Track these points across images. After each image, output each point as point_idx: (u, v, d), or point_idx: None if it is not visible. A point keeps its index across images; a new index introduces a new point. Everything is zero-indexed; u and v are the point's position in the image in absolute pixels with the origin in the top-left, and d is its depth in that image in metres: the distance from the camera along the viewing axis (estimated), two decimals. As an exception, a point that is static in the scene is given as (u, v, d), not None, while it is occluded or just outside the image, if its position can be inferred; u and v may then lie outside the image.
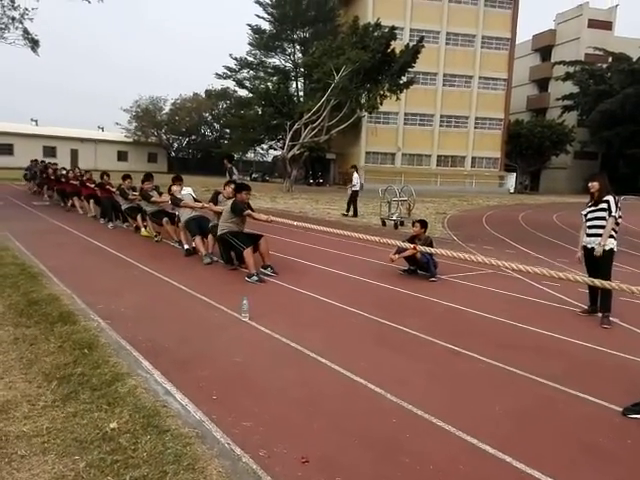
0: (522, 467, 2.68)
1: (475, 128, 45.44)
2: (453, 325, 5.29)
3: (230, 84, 50.31)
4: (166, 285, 6.39)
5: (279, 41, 46.03)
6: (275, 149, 47.89)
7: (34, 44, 25.72)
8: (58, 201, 15.76)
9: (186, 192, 8.99)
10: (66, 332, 4.37)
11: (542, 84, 56.14)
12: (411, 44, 32.24)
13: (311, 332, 4.77)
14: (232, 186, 8.08)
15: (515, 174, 47.41)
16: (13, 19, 26.10)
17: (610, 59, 47.78)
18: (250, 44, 46.22)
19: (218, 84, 53.48)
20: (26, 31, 26.37)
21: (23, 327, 4.49)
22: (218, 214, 7.88)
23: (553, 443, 2.99)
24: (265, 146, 51.16)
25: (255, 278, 6.64)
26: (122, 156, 52.50)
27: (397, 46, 31.46)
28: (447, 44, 43.63)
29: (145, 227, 10.66)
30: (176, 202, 8.62)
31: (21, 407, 3.06)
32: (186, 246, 8.76)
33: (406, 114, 43.54)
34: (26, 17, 26.07)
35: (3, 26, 25.98)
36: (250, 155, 57.67)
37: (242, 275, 6.93)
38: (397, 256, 7.40)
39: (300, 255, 8.75)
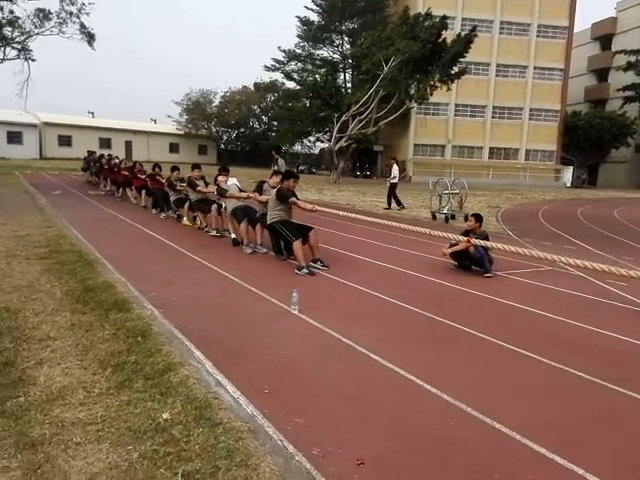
0: (595, 481, 2.48)
1: (530, 120, 43.91)
2: (510, 323, 5.05)
3: (278, 76, 50.67)
4: (216, 275, 6.41)
5: (327, 33, 45.88)
6: (322, 141, 47.85)
7: (90, 38, 26.62)
8: (113, 191, 16.24)
9: (231, 182, 9.03)
10: (120, 320, 4.42)
11: (601, 74, 53.56)
12: (463, 34, 31.43)
13: (362, 327, 4.65)
14: (279, 176, 8.06)
15: (572, 168, 45.51)
16: (71, 14, 27.07)
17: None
18: (299, 36, 46.33)
19: (267, 77, 53.95)
20: (83, 25, 27.36)
21: (79, 313, 4.58)
22: (264, 204, 7.88)
23: (627, 454, 2.76)
24: (312, 138, 51.27)
25: (305, 271, 6.56)
26: (174, 148, 53.79)
27: (448, 36, 30.74)
28: (501, 33, 42.28)
29: (195, 217, 10.79)
30: (222, 192, 8.65)
31: (77, 394, 3.09)
32: (233, 235, 8.81)
33: (457, 105, 42.55)
34: (83, 12, 27.00)
35: (62, 20, 26.94)
36: (297, 147, 57.92)
37: (291, 267, 6.88)
38: (450, 250, 7.17)
39: (349, 248, 8.63)
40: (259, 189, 8.10)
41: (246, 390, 3.24)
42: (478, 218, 7.26)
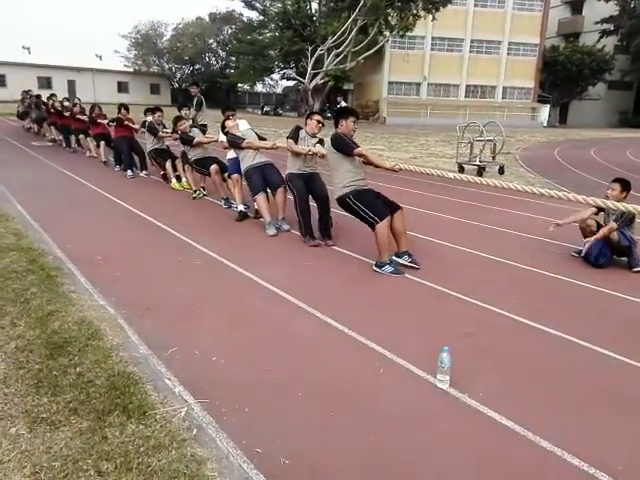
0: None
1: (508, 54, 41.44)
2: None
3: (236, 6, 45.87)
4: (254, 287, 4.10)
5: (291, -46, 41.13)
6: (289, 79, 44.04)
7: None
8: (61, 141, 13.19)
9: (245, 127, 6.58)
10: (136, 446, 2.15)
11: (575, 6, 51.13)
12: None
13: (590, 423, 2.52)
14: (319, 117, 5.77)
15: (549, 106, 43.82)
16: None
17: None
18: (259, -43, 41.37)
19: (223, 7, 48.88)
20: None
21: (45, 426, 2.26)
22: (299, 157, 5.60)
23: None
24: (276, 76, 47.20)
25: (389, 268, 4.38)
26: (122, 87, 48.66)
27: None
28: (480, -43, 38.95)
29: (179, 178, 8.37)
30: (236, 143, 6.15)
31: None
32: (240, 207, 6.53)
33: (433, 38, 39.48)
34: None
35: None
36: (258, 87, 53.72)
37: (351, 261, 4.67)
38: (563, 222, 5.18)
39: (414, 225, 6.17)
40: (294, 136, 5.65)
41: None
42: (625, 185, 4.88)
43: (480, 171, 10.80)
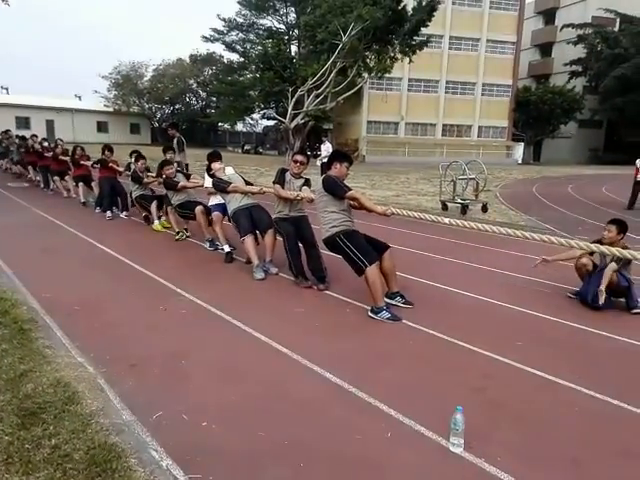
0: None
1: (482, 95, 42.63)
2: None
3: (217, 48, 46.69)
4: (243, 338, 3.86)
5: (270, 0, 42.23)
6: (268, 119, 44.52)
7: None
8: (39, 182, 12.91)
9: (231, 172, 6.46)
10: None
11: (545, 49, 53.31)
12: (424, 2, 29.22)
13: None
14: (299, 157, 5.63)
15: (523, 144, 44.98)
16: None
17: (618, 21, 45.04)
18: (239, 3, 42.33)
19: (203, 48, 49.70)
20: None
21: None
22: (287, 202, 5.48)
23: None
24: (256, 116, 47.60)
25: (386, 314, 4.21)
26: (102, 127, 48.59)
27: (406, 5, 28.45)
28: (454, 4, 40.38)
29: (160, 218, 8.19)
30: (221, 187, 6.01)
31: None
32: (227, 248, 6.36)
33: (410, 80, 40.49)
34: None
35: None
36: (238, 126, 54.28)
37: (343, 304, 4.48)
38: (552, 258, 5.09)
39: (405, 267, 5.69)
40: (281, 179, 5.52)
41: None
42: (622, 227, 4.87)
43: (464, 209, 10.81)
